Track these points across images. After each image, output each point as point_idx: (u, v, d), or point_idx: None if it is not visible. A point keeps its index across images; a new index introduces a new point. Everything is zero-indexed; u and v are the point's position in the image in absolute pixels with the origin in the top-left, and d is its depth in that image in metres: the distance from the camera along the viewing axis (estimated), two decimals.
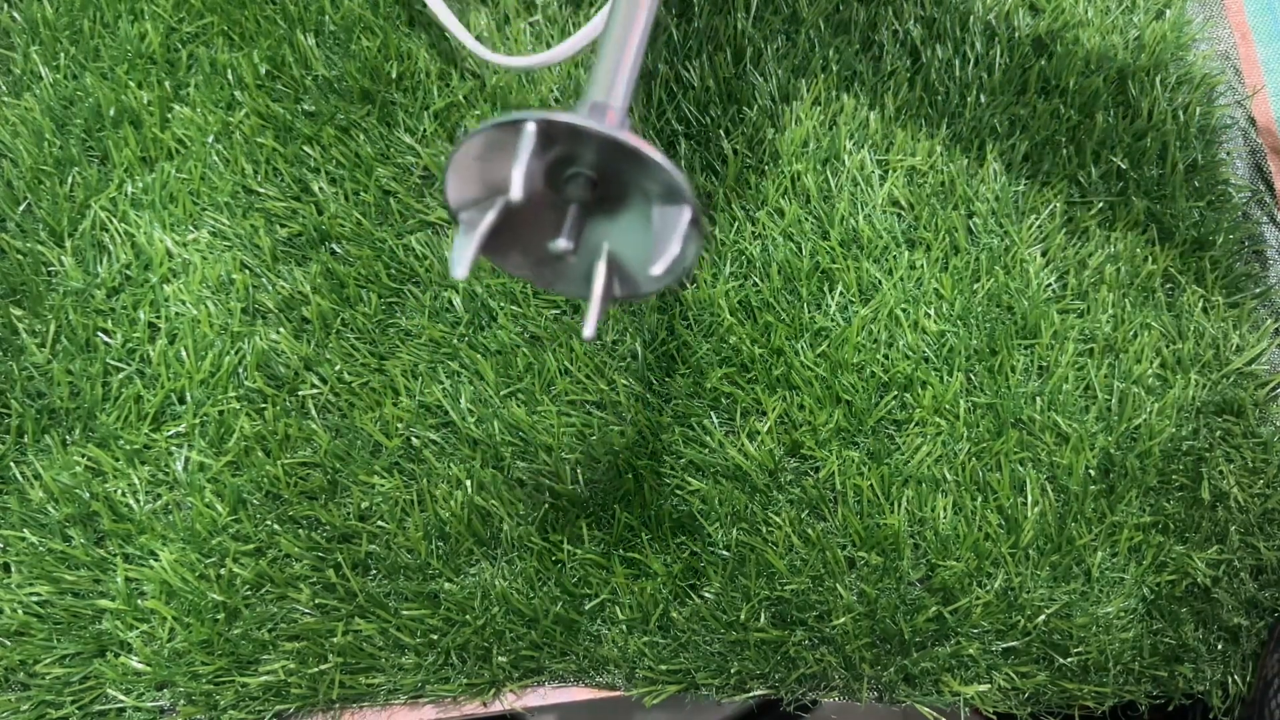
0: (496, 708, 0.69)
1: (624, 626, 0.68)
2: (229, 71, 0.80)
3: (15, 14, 0.82)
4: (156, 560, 0.68)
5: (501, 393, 0.72)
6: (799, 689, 0.68)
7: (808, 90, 0.78)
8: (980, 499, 0.70)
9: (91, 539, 0.69)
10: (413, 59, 0.79)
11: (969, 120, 0.78)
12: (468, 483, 0.70)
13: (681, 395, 0.72)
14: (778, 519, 0.69)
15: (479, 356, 0.73)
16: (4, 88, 0.80)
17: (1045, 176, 0.77)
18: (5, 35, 0.82)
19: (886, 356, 0.73)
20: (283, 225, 0.76)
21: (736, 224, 0.76)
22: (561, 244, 0.44)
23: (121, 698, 0.66)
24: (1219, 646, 0.68)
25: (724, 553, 0.69)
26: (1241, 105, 0.84)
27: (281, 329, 0.73)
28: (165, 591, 0.68)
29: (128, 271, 0.75)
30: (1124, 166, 0.77)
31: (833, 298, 0.74)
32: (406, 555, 0.69)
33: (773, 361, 0.72)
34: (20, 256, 0.75)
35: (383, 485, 0.70)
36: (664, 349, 0.73)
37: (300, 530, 0.69)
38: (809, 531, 0.69)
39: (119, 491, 0.70)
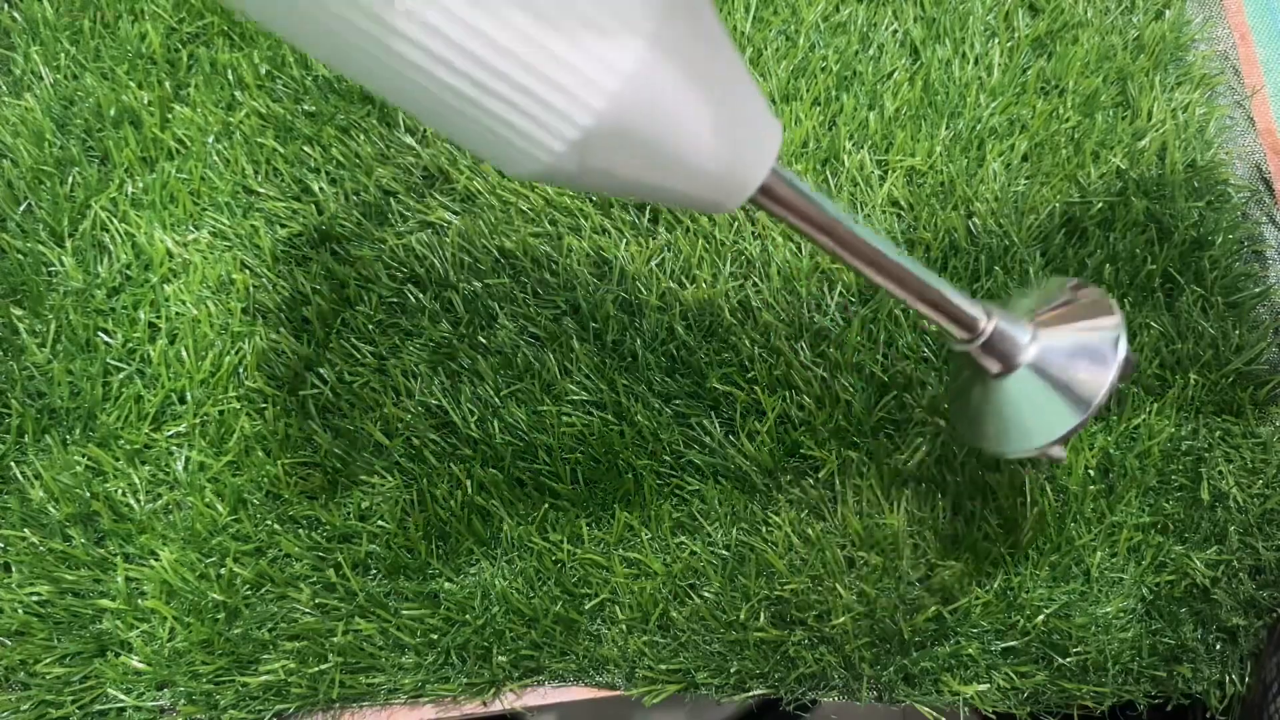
0: (496, 707, 0.69)
1: (624, 626, 0.68)
2: (229, 71, 0.80)
3: (16, 14, 0.82)
4: (157, 560, 0.69)
5: (501, 393, 0.72)
6: (798, 689, 0.68)
7: (807, 90, 0.79)
8: (980, 499, 0.70)
9: (92, 539, 0.69)
10: None
11: (969, 120, 0.78)
12: (468, 483, 0.70)
13: (681, 395, 0.72)
14: (777, 519, 0.69)
15: (479, 356, 0.73)
16: (4, 88, 0.81)
17: (1044, 177, 0.77)
18: (6, 35, 0.82)
19: (886, 356, 0.73)
20: (283, 225, 0.76)
21: (736, 224, 0.76)
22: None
23: (122, 697, 0.67)
24: (1217, 647, 0.69)
25: (723, 552, 0.69)
26: (1241, 105, 0.84)
27: (282, 329, 0.73)
28: (165, 591, 0.68)
29: (128, 271, 0.75)
30: (1123, 166, 0.77)
31: (832, 298, 0.74)
32: (406, 555, 0.69)
33: (773, 361, 0.72)
34: (21, 256, 0.75)
35: (383, 485, 0.70)
36: (664, 349, 0.73)
37: (300, 530, 0.70)
38: (808, 531, 0.69)
39: (119, 491, 0.70)
